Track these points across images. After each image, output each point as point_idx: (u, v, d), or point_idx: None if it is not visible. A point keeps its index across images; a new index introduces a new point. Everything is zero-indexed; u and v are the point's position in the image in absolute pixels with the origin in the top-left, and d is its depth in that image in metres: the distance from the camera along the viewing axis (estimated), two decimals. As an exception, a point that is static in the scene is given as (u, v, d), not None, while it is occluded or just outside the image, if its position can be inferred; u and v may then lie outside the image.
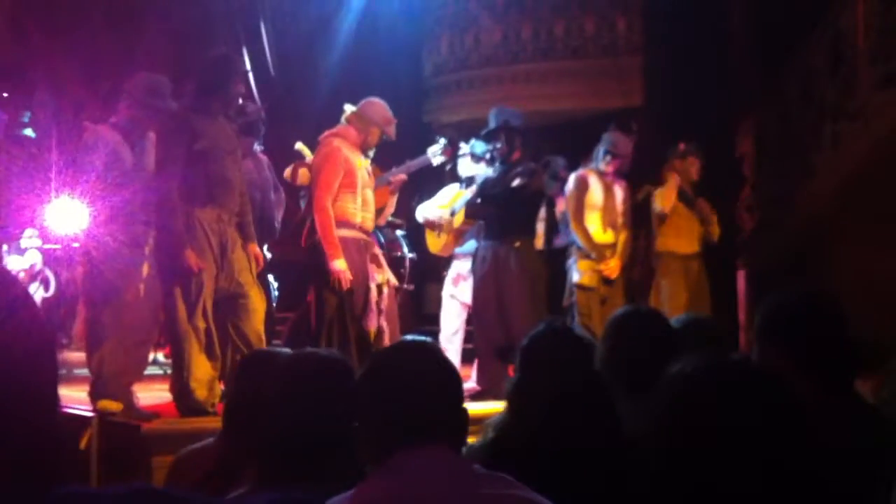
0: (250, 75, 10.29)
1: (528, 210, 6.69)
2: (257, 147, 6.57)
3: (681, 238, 7.26)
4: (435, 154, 6.67)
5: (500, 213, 6.53)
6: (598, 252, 6.79)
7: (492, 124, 6.68)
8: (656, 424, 1.48)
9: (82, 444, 4.80)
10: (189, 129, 5.17)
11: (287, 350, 2.87)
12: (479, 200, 6.69)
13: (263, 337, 5.38)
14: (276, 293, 7.05)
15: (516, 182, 6.47)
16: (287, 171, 6.72)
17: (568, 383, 2.43)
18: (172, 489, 1.29)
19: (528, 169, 6.54)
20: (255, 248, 5.45)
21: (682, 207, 7.28)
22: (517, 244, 6.48)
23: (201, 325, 5.10)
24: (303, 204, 6.40)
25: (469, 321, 7.03)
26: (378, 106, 5.96)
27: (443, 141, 6.78)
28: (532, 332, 2.67)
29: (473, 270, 6.69)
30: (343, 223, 5.70)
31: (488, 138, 6.68)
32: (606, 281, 6.82)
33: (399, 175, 6.51)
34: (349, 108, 6.01)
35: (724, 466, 1.37)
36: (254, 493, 2.12)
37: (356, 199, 5.76)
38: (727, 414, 1.40)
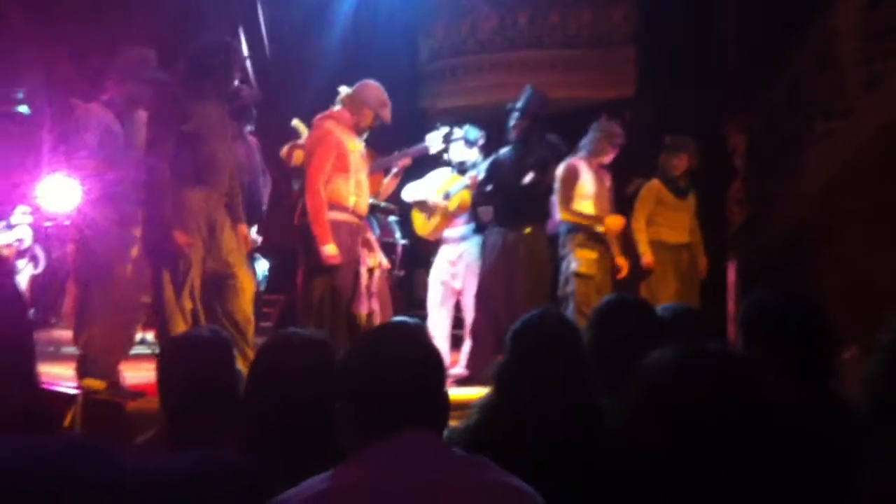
0: (247, 58, 10.28)
1: (540, 197, 6.69)
2: (248, 129, 6.57)
3: (671, 228, 7.30)
4: (434, 141, 6.65)
5: (510, 200, 6.54)
6: (598, 221, 6.80)
7: (522, 98, 6.67)
8: (628, 411, 1.50)
9: (66, 422, 4.80)
10: (179, 110, 5.16)
11: (207, 329, 2.85)
12: (488, 188, 6.68)
13: (252, 318, 5.39)
14: (266, 274, 7.05)
15: (528, 178, 6.47)
16: (283, 150, 6.71)
17: (554, 368, 2.45)
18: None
19: (540, 161, 6.54)
20: (243, 229, 5.45)
21: (671, 198, 7.32)
22: (527, 230, 6.50)
23: (188, 305, 5.10)
24: (296, 185, 6.39)
25: (457, 307, 7.04)
26: (373, 88, 5.93)
27: (444, 129, 6.76)
28: (524, 318, 2.69)
29: (482, 256, 6.69)
30: (335, 206, 5.68)
31: (509, 112, 6.66)
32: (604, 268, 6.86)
33: (404, 160, 6.50)
34: (344, 90, 6.00)
35: (691, 454, 1.39)
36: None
37: (349, 182, 5.73)
38: (693, 402, 1.43)
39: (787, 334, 2.39)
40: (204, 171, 5.19)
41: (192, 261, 5.08)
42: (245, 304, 5.30)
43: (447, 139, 6.69)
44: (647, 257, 7.16)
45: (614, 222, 6.84)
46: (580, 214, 6.83)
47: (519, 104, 6.64)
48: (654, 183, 7.36)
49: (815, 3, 7.67)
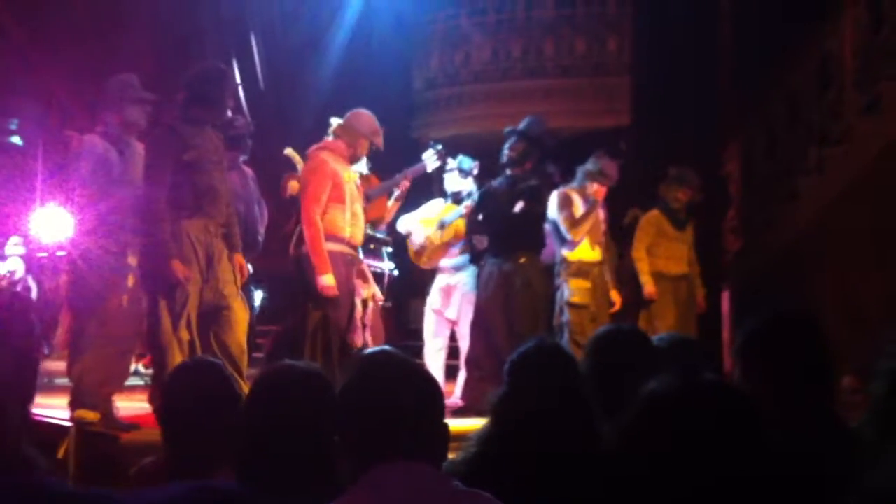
0: (240, 89, 10.31)
1: (533, 226, 6.67)
2: (242, 159, 6.57)
3: (670, 259, 7.32)
4: (430, 158, 6.64)
5: (503, 229, 6.53)
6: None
7: (522, 123, 6.69)
8: (624, 441, 1.50)
9: (60, 454, 4.76)
10: (178, 139, 5.16)
11: (208, 358, 2.88)
12: (480, 218, 6.68)
13: (245, 349, 5.36)
14: (259, 305, 7.02)
15: (519, 206, 6.46)
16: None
17: (552, 399, 2.44)
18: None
19: (531, 189, 6.53)
20: (240, 258, 5.43)
21: (671, 229, 7.33)
22: (522, 260, 6.48)
23: (185, 336, 5.06)
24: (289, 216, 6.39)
25: (452, 337, 7.02)
26: (365, 117, 5.94)
27: (437, 146, 6.75)
28: (521, 348, 2.68)
29: (478, 286, 6.67)
30: (331, 237, 5.65)
31: (507, 137, 6.67)
32: (596, 299, 6.87)
33: (404, 183, 6.50)
34: (335, 122, 6.01)
35: (687, 484, 1.39)
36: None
37: (345, 213, 5.72)
38: (689, 433, 1.42)
39: (784, 361, 2.38)
40: (202, 201, 5.17)
41: (189, 292, 5.05)
42: (239, 335, 5.27)
43: (441, 155, 6.67)
44: (648, 287, 7.17)
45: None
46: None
47: (519, 128, 6.66)
48: (655, 213, 7.37)
49: (812, 28, 7.72)
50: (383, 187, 6.51)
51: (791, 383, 2.36)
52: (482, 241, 6.76)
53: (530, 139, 6.62)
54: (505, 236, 6.53)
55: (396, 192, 6.56)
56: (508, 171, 6.65)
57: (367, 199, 6.17)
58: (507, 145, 6.66)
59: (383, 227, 6.83)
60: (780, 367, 2.39)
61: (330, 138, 5.97)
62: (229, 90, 5.53)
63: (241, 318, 5.29)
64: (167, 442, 2.64)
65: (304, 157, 6.18)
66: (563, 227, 6.85)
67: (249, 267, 6.28)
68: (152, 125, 5.52)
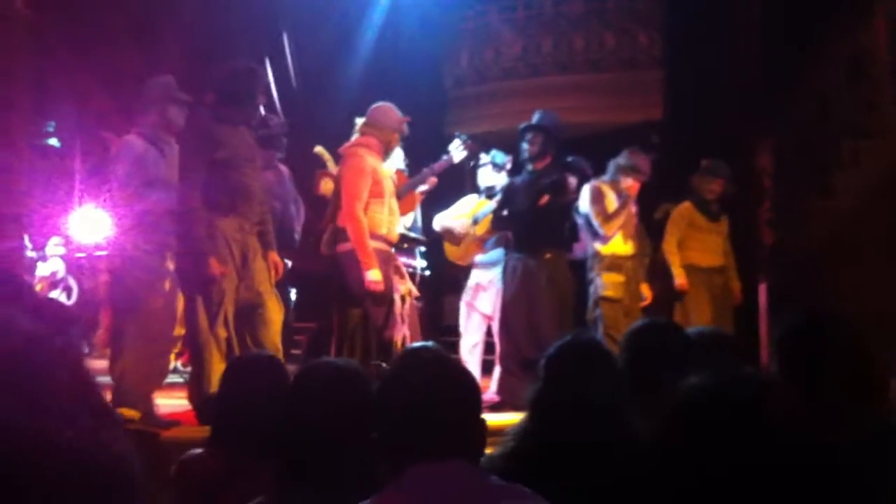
0: (273, 88, 10.37)
1: (557, 221, 6.66)
2: (278, 157, 6.62)
3: (703, 252, 7.27)
4: (456, 150, 6.63)
5: (528, 225, 6.53)
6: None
7: (533, 119, 6.70)
8: (662, 437, 1.51)
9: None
10: (210, 139, 5.21)
11: (267, 353, 2.92)
12: (504, 213, 6.68)
13: (280, 347, 5.40)
14: (294, 302, 7.06)
15: (542, 201, 6.46)
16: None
17: (589, 393, 2.45)
18: None
19: (554, 183, 6.52)
20: (274, 256, 5.47)
21: (703, 221, 7.29)
22: (547, 256, 6.47)
23: (223, 333, 5.12)
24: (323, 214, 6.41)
25: (489, 332, 7.03)
26: (388, 110, 5.92)
27: (463, 137, 6.73)
28: (558, 343, 2.69)
29: (503, 282, 6.68)
30: (370, 234, 5.62)
31: (522, 134, 6.68)
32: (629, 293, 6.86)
33: (432, 179, 6.50)
34: (359, 121, 6.03)
35: (726, 477, 1.40)
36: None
37: (384, 209, 5.72)
38: (727, 428, 1.44)
39: (825, 357, 2.36)
40: (235, 199, 5.22)
41: (225, 290, 5.10)
42: (273, 334, 5.32)
43: (467, 145, 6.65)
44: (680, 279, 7.13)
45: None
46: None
47: (533, 122, 6.67)
48: (686, 206, 7.33)
49: (842, 20, 7.64)
50: (411, 184, 6.53)
51: (828, 380, 2.35)
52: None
53: (547, 132, 6.62)
54: (529, 232, 6.53)
55: (424, 187, 6.57)
56: (530, 167, 6.66)
57: (397, 196, 6.20)
58: (524, 141, 6.66)
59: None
60: (817, 363, 2.38)
61: (359, 136, 5.99)
62: (259, 88, 5.57)
63: (275, 317, 5.33)
64: (216, 437, 2.67)
65: (334, 155, 6.20)
66: (595, 222, 6.84)
67: (288, 263, 6.33)
68: (185, 126, 5.59)
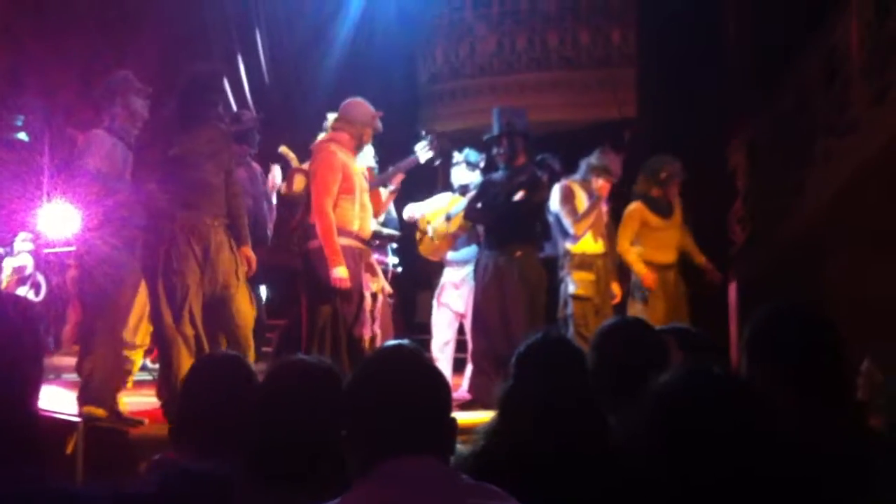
0: (245, 83, 10.31)
1: (530, 218, 6.66)
2: (251, 153, 6.58)
3: (658, 249, 7.23)
4: (422, 150, 6.60)
5: (500, 221, 6.52)
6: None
7: (494, 124, 6.67)
8: (641, 433, 1.50)
9: (68, 449, 4.78)
10: (163, 136, 5.21)
11: (231, 352, 2.87)
12: (479, 205, 6.67)
13: (252, 344, 5.36)
14: (265, 299, 7.02)
15: (518, 196, 6.45)
16: (283, 183, 6.72)
17: (559, 391, 2.43)
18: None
19: (530, 180, 6.52)
20: (248, 251, 5.42)
21: (655, 218, 7.23)
22: (518, 253, 6.46)
23: (190, 332, 5.07)
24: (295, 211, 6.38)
25: (461, 330, 7.02)
26: (361, 105, 5.88)
27: (429, 137, 6.70)
28: (527, 341, 2.68)
29: (475, 280, 6.67)
30: (340, 230, 5.57)
31: (491, 143, 6.67)
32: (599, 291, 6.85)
33: (398, 176, 6.47)
34: (331, 116, 6.00)
35: (702, 472, 1.40)
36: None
37: (355, 205, 5.68)
38: (703, 424, 1.43)
39: (795, 353, 2.35)
40: (195, 194, 5.19)
41: (189, 286, 5.06)
42: (244, 328, 5.27)
43: (432, 145, 6.62)
44: (647, 279, 7.08)
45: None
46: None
47: (494, 129, 6.63)
48: (636, 206, 7.26)
49: (818, 18, 7.68)
50: (377, 181, 6.50)
51: (799, 376, 2.34)
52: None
53: (512, 133, 6.60)
54: (501, 228, 6.52)
55: (391, 186, 6.54)
56: (503, 166, 6.65)
57: None
58: (495, 148, 6.64)
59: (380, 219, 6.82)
60: (787, 359, 2.37)
61: (331, 131, 5.95)
62: (218, 86, 5.57)
63: (244, 310, 5.29)
64: (179, 435, 2.64)
65: (303, 152, 6.16)
66: (565, 221, 6.83)
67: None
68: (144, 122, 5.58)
